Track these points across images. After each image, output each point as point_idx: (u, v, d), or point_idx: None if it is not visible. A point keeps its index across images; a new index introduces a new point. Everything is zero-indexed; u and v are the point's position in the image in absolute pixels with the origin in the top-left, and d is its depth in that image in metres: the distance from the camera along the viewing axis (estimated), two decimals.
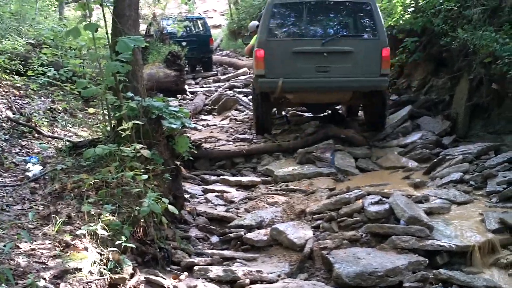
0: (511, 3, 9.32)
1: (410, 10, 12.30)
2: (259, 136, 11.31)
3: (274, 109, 12.29)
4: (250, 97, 14.25)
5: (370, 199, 6.97)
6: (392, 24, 12.83)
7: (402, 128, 10.83)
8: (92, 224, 4.72)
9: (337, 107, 12.98)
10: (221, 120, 14.16)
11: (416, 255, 5.89)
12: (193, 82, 21.54)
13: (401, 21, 12.48)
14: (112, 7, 6.97)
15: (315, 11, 10.76)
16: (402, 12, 12.46)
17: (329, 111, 12.44)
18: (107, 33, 6.62)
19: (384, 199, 6.92)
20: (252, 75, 13.16)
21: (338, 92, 10.77)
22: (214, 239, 6.90)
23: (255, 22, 13.49)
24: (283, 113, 13.08)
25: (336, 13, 10.92)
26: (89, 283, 4.09)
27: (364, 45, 10.36)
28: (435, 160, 8.89)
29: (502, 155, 8.34)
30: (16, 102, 9.08)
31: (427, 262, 5.79)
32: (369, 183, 8.35)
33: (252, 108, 12.81)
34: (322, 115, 12.35)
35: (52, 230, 4.67)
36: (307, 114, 12.75)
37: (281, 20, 10.86)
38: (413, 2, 12.36)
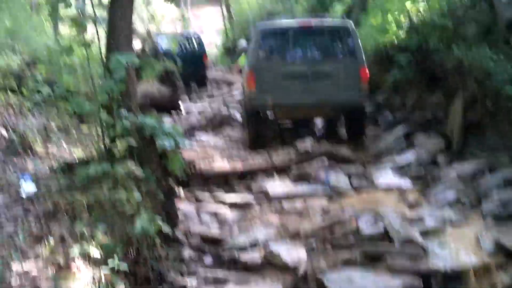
0: (505, 20, 9.36)
1: (404, 27, 12.35)
2: (253, 153, 11.34)
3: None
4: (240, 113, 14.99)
5: (364, 219, 6.94)
6: (386, 43, 12.89)
7: (397, 146, 10.83)
8: (85, 244, 4.68)
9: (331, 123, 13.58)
10: (216, 138, 14.13)
11: (411, 276, 5.86)
12: (187, 99, 21.52)
13: (395, 39, 12.54)
14: (105, 25, 6.99)
15: (299, 37, 11.91)
16: (396, 30, 12.52)
17: (323, 129, 12.57)
18: (100, 50, 6.61)
19: (378, 219, 6.89)
20: (242, 92, 14.06)
21: (321, 108, 12.03)
22: (208, 259, 6.83)
23: (243, 41, 14.11)
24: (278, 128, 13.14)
25: (318, 37, 11.99)
26: None
27: (344, 66, 11.62)
28: (429, 179, 8.87)
29: (497, 174, 8.31)
30: (10, 119, 9.03)
31: (422, 284, 5.76)
32: (363, 202, 8.32)
33: (242, 124, 13.79)
34: (317, 133, 12.49)
35: (45, 251, 4.63)
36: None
37: (269, 45, 12.05)
38: (407, 19, 12.40)
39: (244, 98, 12.20)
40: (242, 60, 14.10)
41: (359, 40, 11.83)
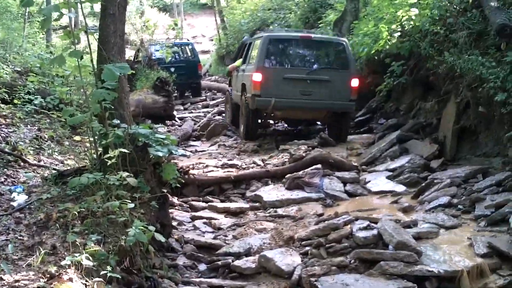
0: (496, 27, 9.39)
1: (396, 34, 12.40)
2: (247, 161, 11.37)
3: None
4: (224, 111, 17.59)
5: (358, 225, 6.95)
6: (379, 49, 12.94)
7: (390, 152, 10.84)
8: (77, 255, 4.65)
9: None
10: (210, 146, 14.13)
11: (405, 280, 5.90)
12: (182, 107, 21.52)
13: (387, 46, 12.58)
14: (97, 34, 6.98)
15: (301, 47, 13.46)
16: (388, 37, 12.57)
17: (319, 136, 12.66)
18: (92, 60, 6.60)
19: (372, 224, 6.91)
20: (229, 93, 16.39)
21: (316, 111, 13.32)
22: (202, 267, 6.84)
23: (246, 39, 15.93)
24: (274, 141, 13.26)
25: (318, 49, 13.51)
26: None
27: (338, 75, 12.90)
28: (423, 184, 8.89)
29: (490, 178, 8.36)
30: (1, 130, 9.01)
31: (416, 287, 5.77)
32: (357, 208, 8.34)
33: (227, 117, 16.26)
34: (311, 141, 12.59)
35: (37, 261, 4.61)
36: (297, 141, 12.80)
37: (275, 52, 13.24)
38: (399, 26, 12.46)
39: (248, 98, 13.17)
40: (238, 62, 15.12)
41: (352, 54, 13.33)
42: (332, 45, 13.47)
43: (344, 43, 13.28)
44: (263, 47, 12.97)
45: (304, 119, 14.65)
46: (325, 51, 13.48)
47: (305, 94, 12.77)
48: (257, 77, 12.75)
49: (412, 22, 12.02)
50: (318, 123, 14.89)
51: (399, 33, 12.39)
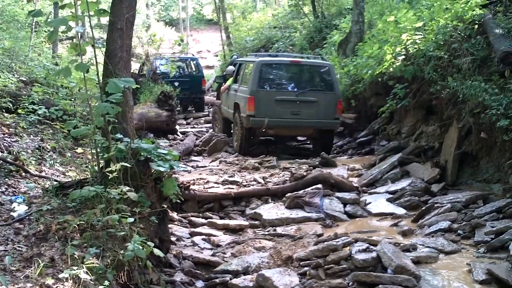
0: (500, 53, 9.44)
1: (400, 57, 12.44)
2: (248, 178, 11.35)
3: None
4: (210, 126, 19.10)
5: (357, 247, 6.93)
6: (383, 71, 12.98)
7: (391, 174, 10.84)
8: (75, 268, 4.65)
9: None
10: (211, 162, 14.11)
11: None
12: (184, 122, 21.57)
13: (391, 69, 12.62)
14: (104, 48, 7.01)
15: (291, 70, 14.80)
16: (392, 60, 12.62)
17: (322, 156, 12.70)
18: (98, 74, 6.63)
19: (371, 247, 6.88)
20: (218, 107, 17.61)
21: (305, 129, 14.57)
22: (199, 284, 6.79)
23: (232, 67, 17.06)
24: (275, 159, 13.28)
25: (306, 72, 14.68)
26: None
27: (324, 96, 14.09)
28: (423, 207, 8.88)
29: (491, 205, 8.36)
30: (4, 140, 9.02)
31: None
32: (357, 229, 8.34)
33: (216, 128, 17.59)
34: (312, 160, 12.67)
35: (35, 273, 4.60)
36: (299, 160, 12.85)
37: (267, 76, 14.42)
38: (403, 50, 12.51)
39: (243, 118, 14.11)
40: (229, 83, 16.24)
41: (336, 77, 14.70)
42: (319, 69, 14.59)
43: (329, 66, 14.57)
44: (256, 71, 14.03)
45: (295, 136, 16.00)
46: (312, 74, 14.57)
47: (295, 114, 13.93)
48: (251, 99, 13.84)
49: (416, 46, 12.07)
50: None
51: (403, 56, 12.43)
